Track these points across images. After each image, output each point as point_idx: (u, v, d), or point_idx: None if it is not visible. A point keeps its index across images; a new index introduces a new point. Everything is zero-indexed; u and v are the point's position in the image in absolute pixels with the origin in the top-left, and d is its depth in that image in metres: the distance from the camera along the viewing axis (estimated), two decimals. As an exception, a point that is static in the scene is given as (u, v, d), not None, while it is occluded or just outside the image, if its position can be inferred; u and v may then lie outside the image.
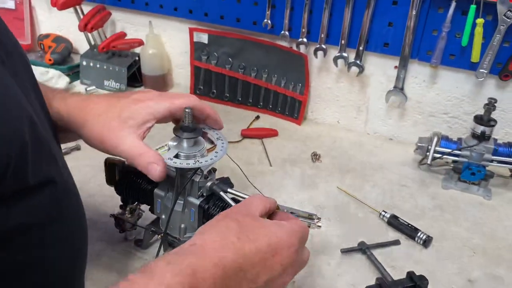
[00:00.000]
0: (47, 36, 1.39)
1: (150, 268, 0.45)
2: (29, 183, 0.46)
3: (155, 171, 0.60)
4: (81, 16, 1.27)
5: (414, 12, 0.97)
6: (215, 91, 1.27)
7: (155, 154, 0.61)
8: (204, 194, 0.67)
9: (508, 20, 0.88)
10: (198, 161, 0.62)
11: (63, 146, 0.99)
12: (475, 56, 0.94)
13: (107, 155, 0.74)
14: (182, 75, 1.32)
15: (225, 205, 0.65)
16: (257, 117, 1.22)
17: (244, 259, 0.50)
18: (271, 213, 0.60)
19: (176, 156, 0.63)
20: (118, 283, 0.43)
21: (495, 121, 0.93)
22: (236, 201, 0.65)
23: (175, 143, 0.64)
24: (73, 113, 0.63)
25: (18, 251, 0.46)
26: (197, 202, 0.66)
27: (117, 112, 0.62)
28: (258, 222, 0.55)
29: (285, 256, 0.52)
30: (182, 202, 0.67)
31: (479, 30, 0.91)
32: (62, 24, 1.43)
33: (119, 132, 0.61)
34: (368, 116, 1.15)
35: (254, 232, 0.52)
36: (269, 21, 1.10)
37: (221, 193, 0.66)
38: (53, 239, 0.51)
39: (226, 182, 0.75)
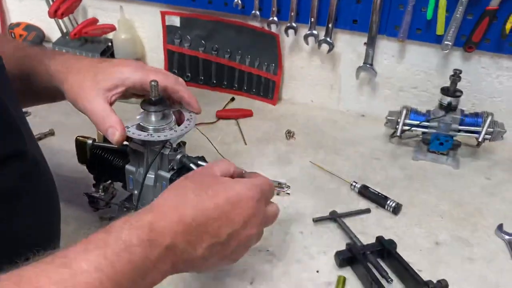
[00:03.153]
0: (17, 24, 1.38)
1: (109, 227, 0.46)
2: None
3: (113, 135, 0.62)
4: (51, 3, 1.25)
5: (380, -12, 0.99)
6: (189, 74, 1.27)
7: (116, 119, 0.62)
8: (175, 167, 0.68)
9: (470, -9, 0.91)
10: (150, 134, 0.64)
11: (35, 131, 1.00)
12: (440, 29, 0.96)
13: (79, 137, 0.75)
14: (155, 59, 1.31)
15: (195, 177, 0.66)
16: (232, 99, 1.22)
17: (203, 213, 0.51)
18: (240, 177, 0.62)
19: (143, 128, 0.64)
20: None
21: (461, 91, 0.96)
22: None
23: (142, 117, 0.65)
24: (59, 69, 0.66)
25: None
26: (168, 175, 0.67)
27: (94, 73, 0.64)
28: (216, 179, 0.56)
29: (244, 208, 0.54)
30: (153, 176, 0.68)
31: (442, 3, 0.93)
32: (32, 13, 1.41)
33: (89, 92, 0.63)
34: (341, 94, 1.17)
35: (212, 188, 0.53)
36: (239, 1, 1.11)
37: (192, 165, 0.67)
38: (21, 212, 0.52)
39: (201, 160, 0.75)
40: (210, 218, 0.51)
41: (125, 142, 0.72)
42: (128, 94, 0.68)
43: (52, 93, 0.69)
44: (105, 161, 0.72)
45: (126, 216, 0.49)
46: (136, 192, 0.70)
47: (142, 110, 0.65)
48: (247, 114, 1.16)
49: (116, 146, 0.71)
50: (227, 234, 0.52)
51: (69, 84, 0.65)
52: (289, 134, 1.06)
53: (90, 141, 0.73)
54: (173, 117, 0.67)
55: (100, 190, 0.76)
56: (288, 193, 0.67)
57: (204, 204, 0.52)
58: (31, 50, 0.72)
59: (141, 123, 0.65)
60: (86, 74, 0.65)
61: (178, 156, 0.67)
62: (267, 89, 1.21)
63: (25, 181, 0.53)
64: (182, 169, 0.68)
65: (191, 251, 0.50)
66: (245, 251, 0.57)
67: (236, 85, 1.24)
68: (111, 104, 0.64)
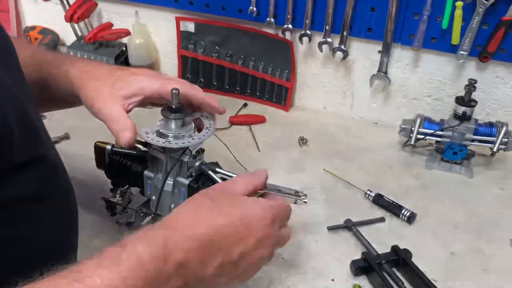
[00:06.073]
0: (33, 28, 1.39)
1: (123, 242, 0.46)
2: (15, 161, 0.47)
3: (124, 138, 0.62)
4: (67, 7, 1.27)
5: (395, -3, 0.99)
6: (202, 79, 1.28)
7: (130, 122, 0.63)
8: (193, 174, 0.69)
9: (486, 2, 0.91)
10: (169, 141, 0.64)
11: (50, 135, 1.01)
12: (455, 39, 0.97)
13: (95, 141, 0.75)
14: (169, 64, 1.32)
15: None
16: (245, 105, 1.23)
17: (216, 231, 0.51)
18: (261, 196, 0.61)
19: (162, 135, 0.65)
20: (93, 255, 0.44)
21: (476, 101, 0.96)
22: (225, 180, 0.67)
23: (162, 123, 0.66)
24: (78, 75, 0.66)
25: (1, 226, 0.47)
26: (186, 182, 0.68)
27: (113, 80, 0.65)
28: (232, 197, 0.56)
29: (258, 229, 0.53)
30: (172, 182, 0.68)
31: (458, 13, 0.94)
32: (48, 16, 1.42)
33: (107, 98, 0.64)
34: (354, 101, 1.17)
35: (227, 206, 0.53)
36: (254, 8, 1.12)
37: (210, 172, 0.67)
38: (40, 215, 0.52)
39: (216, 166, 0.76)
40: (222, 235, 0.51)
41: (143, 148, 0.74)
42: (145, 102, 0.68)
43: (69, 99, 0.70)
44: (124, 166, 0.72)
45: (140, 230, 0.49)
46: (154, 197, 0.71)
47: (162, 117, 0.66)
48: (260, 120, 1.16)
49: (135, 152, 0.72)
50: (239, 253, 0.52)
51: (87, 89, 0.65)
52: (302, 141, 1.07)
53: (109, 147, 0.73)
54: (193, 124, 0.68)
55: (117, 195, 0.77)
56: (305, 202, 0.67)
57: (218, 221, 0.51)
58: (50, 55, 0.72)
59: (161, 130, 0.65)
60: (105, 80, 0.65)
61: (197, 163, 0.68)
62: (280, 95, 1.21)
63: (44, 186, 0.53)
64: (200, 176, 0.69)
65: (202, 268, 0.50)
66: (255, 271, 0.57)
67: (248, 91, 1.25)
68: (127, 112, 0.65)
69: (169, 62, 1.32)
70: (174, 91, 0.64)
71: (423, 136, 0.98)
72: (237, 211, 0.53)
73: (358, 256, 0.74)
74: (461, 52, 0.98)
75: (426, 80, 1.07)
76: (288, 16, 1.10)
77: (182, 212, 0.53)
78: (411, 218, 0.83)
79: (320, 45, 1.10)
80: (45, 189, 0.53)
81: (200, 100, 0.69)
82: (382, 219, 0.84)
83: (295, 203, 0.67)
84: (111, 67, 0.69)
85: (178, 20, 1.23)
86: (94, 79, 0.66)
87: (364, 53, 1.10)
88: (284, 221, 0.60)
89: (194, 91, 0.69)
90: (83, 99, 0.66)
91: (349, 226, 0.81)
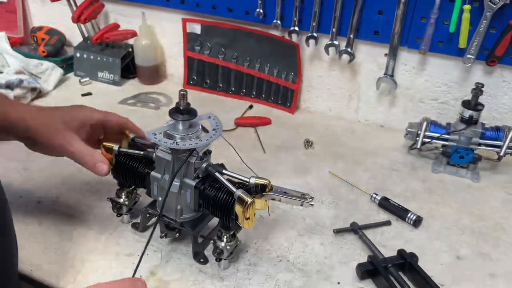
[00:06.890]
0: (40, 28, 1.40)
1: None
2: None
3: (102, 169, 0.69)
4: (74, 8, 1.27)
5: (403, 0, 0.99)
6: (208, 81, 1.28)
7: (100, 155, 0.69)
8: (200, 176, 0.68)
9: (494, 6, 0.91)
10: (176, 142, 0.65)
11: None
12: (462, 42, 0.96)
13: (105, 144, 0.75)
14: (175, 65, 1.33)
15: (220, 186, 0.67)
16: (250, 107, 1.23)
17: None
18: None
19: (170, 136, 0.65)
20: None
21: (482, 105, 0.95)
22: (231, 181, 0.67)
23: (169, 125, 0.66)
24: (22, 118, 0.69)
25: None
26: (193, 183, 0.68)
27: (60, 117, 0.71)
28: None
29: None
30: (178, 183, 0.68)
31: (466, 16, 0.93)
32: (55, 17, 1.43)
33: (65, 134, 0.69)
34: (359, 104, 1.17)
35: None
36: (261, 10, 1.12)
37: (217, 174, 0.67)
38: None
39: (222, 168, 0.76)
40: None
41: (150, 150, 0.74)
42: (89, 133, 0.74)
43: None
44: (130, 167, 0.72)
45: None
46: (160, 198, 0.71)
47: (170, 119, 0.66)
48: (266, 122, 1.16)
49: (141, 153, 0.72)
50: None
51: (34, 134, 0.69)
52: (308, 144, 1.07)
53: (116, 147, 0.73)
54: (200, 126, 0.68)
55: (123, 196, 0.77)
56: (312, 204, 0.67)
57: None
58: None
59: (168, 131, 0.65)
60: (53, 120, 0.70)
61: (204, 165, 0.68)
62: (286, 97, 1.21)
63: None
64: (207, 177, 0.69)
65: None
66: None
67: (254, 93, 1.25)
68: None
69: (175, 63, 1.33)
70: (182, 92, 0.64)
71: (429, 140, 0.98)
72: None
73: (364, 259, 0.74)
74: (468, 55, 0.98)
75: (432, 83, 1.07)
76: (295, 19, 1.10)
77: None
78: (417, 222, 0.83)
79: (326, 47, 1.10)
80: None
81: (130, 128, 0.76)
82: (388, 223, 0.83)
83: (301, 205, 0.67)
84: (48, 107, 0.73)
85: (184, 21, 1.23)
86: (42, 119, 0.69)
87: (370, 56, 1.10)
88: None
89: (126, 120, 0.76)
90: (32, 142, 0.70)
91: (355, 229, 0.80)
